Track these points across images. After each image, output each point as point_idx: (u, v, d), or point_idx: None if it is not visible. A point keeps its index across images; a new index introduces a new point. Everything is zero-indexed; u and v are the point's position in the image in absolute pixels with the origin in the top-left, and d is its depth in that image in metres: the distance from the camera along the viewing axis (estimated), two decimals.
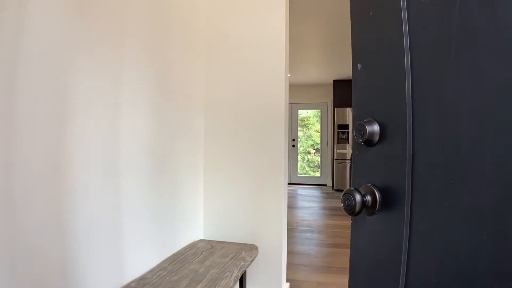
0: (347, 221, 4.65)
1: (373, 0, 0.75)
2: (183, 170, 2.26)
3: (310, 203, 6.15)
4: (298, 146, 9.11)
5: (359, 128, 0.72)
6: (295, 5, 3.73)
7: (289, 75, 8.01)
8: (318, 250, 3.51)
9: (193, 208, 2.40)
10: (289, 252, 3.16)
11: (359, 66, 0.78)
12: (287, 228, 2.50)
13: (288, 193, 2.55)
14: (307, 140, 9.44)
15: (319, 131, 9.07)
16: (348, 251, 0.89)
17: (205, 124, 2.51)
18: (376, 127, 0.71)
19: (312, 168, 9.38)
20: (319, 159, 9.02)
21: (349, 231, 0.80)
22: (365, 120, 0.72)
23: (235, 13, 2.46)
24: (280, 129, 2.37)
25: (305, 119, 9.40)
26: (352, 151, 0.80)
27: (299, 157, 9.17)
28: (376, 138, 0.71)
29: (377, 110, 0.73)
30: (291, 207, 5.74)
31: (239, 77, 2.45)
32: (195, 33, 2.41)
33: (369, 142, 0.71)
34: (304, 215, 5.04)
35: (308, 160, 9.36)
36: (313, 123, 9.35)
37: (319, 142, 9.11)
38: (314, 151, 9.23)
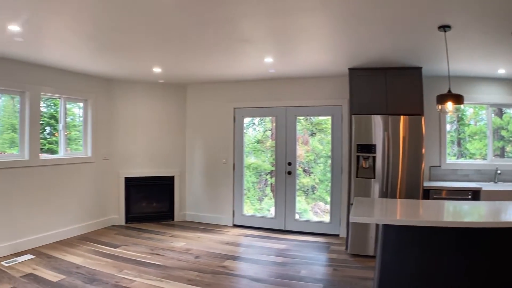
0: None
1: None
2: None
3: None
4: (296, 166, 5.83)
5: None
6: None
7: (271, 60, 3.82)
8: None
9: None
10: None
11: None
12: None
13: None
14: (328, 143, 6.18)
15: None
16: None
17: None
18: None
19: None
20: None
21: None
22: None
23: None
24: None
25: (322, 122, 6.18)
26: None
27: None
28: None
29: None
30: None
31: None
32: None
33: None
34: None
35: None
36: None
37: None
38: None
